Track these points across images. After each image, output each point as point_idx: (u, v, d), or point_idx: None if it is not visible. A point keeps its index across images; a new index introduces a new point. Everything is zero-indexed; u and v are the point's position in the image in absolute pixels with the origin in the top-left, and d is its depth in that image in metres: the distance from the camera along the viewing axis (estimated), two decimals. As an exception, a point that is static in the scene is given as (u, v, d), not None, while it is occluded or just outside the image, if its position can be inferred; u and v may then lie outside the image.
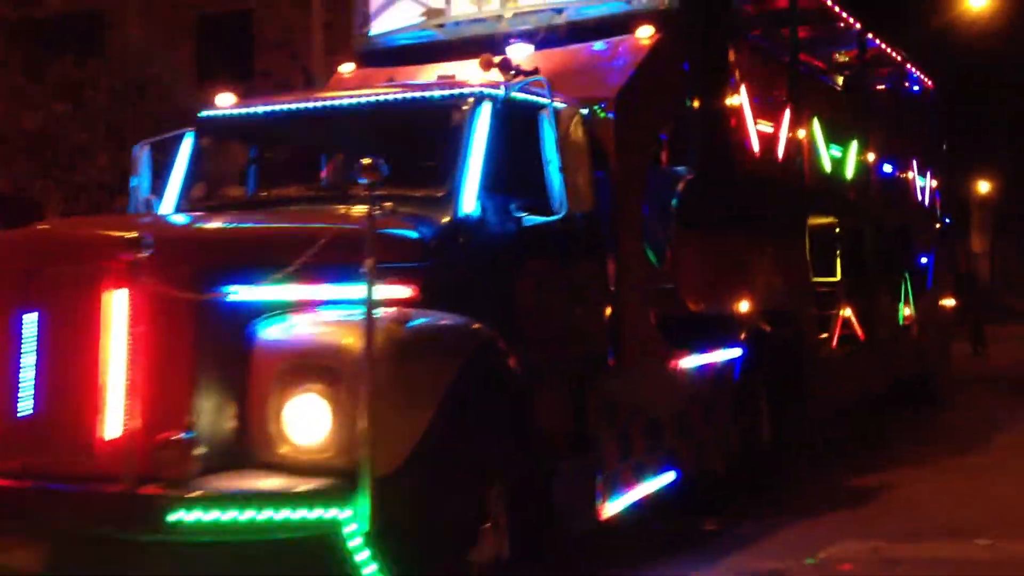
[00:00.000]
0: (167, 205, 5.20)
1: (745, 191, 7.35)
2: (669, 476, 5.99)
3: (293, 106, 5.07)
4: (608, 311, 5.50)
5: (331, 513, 3.41)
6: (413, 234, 4.40)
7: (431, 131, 4.80)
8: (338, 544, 3.47)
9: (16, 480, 3.53)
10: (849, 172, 9.61)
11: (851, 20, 10.01)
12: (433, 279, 4.36)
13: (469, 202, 4.57)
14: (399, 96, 4.87)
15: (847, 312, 9.27)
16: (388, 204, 4.55)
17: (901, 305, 10.81)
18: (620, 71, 5.83)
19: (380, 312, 3.71)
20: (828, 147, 9.07)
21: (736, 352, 6.88)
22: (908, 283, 10.97)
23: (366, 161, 3.60)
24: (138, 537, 3.46)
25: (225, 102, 5.27)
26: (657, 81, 6.09)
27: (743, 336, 6.98)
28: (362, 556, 3.50)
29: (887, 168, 10.85)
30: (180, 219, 4.78)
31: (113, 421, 3.42)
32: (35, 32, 17.72)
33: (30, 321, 3.62)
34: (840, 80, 11.11)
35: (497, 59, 4.92)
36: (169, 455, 3.37)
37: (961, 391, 12.86)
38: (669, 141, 7.04)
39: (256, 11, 15.36)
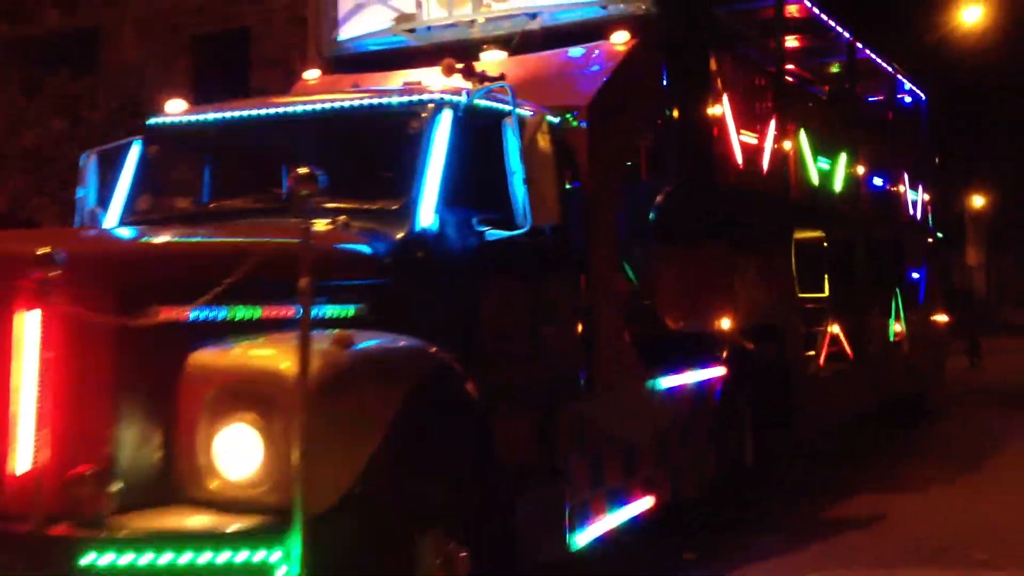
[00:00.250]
0: (112, 217, 4.92)
1: (728, 204, 7.09)
2: (645, 502, 5.70)
3: (244, 113, 4.79)
4: (580, 330, 5.23)
5: (260, 556, 3.12)
6: (366, 249, 4.12)
7: (388, 140, 4.52)
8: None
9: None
10: (837, 185, 9.37)
11: (840, 30, 9.78)
12: (387, 298, 4.08)
13: (427, 215, 4.29)
14: (354, 103, 4.60)
15: (835, 329, 9.01)
16: (342, 218, 4.30)
17: (892, 321, 10.55)
18: (593, 78, 5.57)
19: (321, 335, 3.44)
20: (816, 159, 8.83)
21: (717, 371, 6.61)
22: (899, 298, 10.72)
23: (302, 170, 3.32)
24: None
25: (175, 109, 5.00)
26: (633, 89, 5.83)
27: (725, 355, 6.71)
28: (293, 604, 3.20)
29: (877, 180, 10.62)
30: (105, 234, 4.48)
31: (22, 454, 3.13)
32: (31, 49, 17.63)
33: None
34: (829, 91, 10.90)
35: (460, 64, 4.64)
36: (82, 491, 3.08)
37: (957, 403, 12.71)
38: (648, 151, 6.81)
39: (252, 28, 15.21)
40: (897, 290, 10.74)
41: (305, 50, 12.20)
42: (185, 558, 3.07)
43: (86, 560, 3.04)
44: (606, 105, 5.49)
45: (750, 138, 7.53)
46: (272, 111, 4.72)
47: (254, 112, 4.77)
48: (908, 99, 12.41)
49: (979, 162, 30.29)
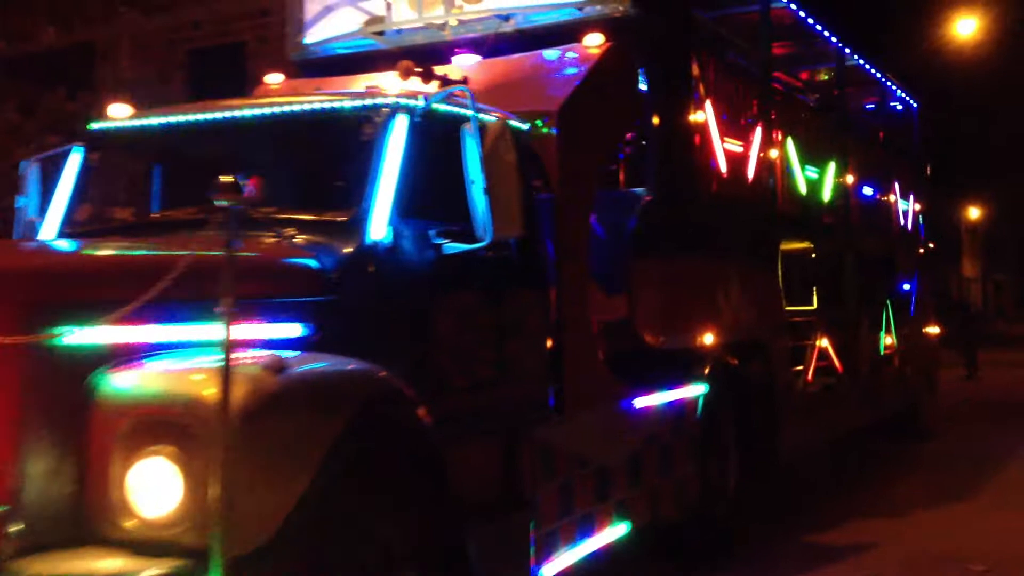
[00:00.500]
0: (49, 228, 4.62)
1: (711, 214, 6.81)
2: (620, 529, 5.41)
3: (190, 118, 4.50)
4: (548, 348, 4.93)
5: (175, 602, 2.83)
6: (312, 264, 3.83)
7: (340, 146, 4.24)
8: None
9: None
10: (826, 194, 9.10)
11: (829, 36, 9.52)
12: (334, 316, 3.79)
13: (379, 227, 4.00)
14: (305, 107, 4.30)
15: (824, 343, 8.73)
16: (289, 230, 4.01)
17: (883, 334, 10.28)
18: (564, 83, 5.29)
19: (252, 358, 3.15)
20: (803, 168, 8.56)
21: (699, 389, 6.32)
22: (890, 311, 10.44)
23: (224, 179, 3.03)
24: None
25: (119, 113, 4.70)
26: (607, 94, 5.55)
27: (707, 371, 6.42)
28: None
29: (867, 190, 10.36)
30: (17, 246, 4.16)
31: (-88, 491, 2.84)
32: (28, 67, 17.52)
33: None
34: (818, 99, 10.65)
35: (418, 67, 4.36)
36: (-22, 533, 2.79)
37: (952, 416, 12.58)
38: (627, 160, 6.54)
39: (248, 44, 15.04)
40: (888, 302, 10.47)
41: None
42: (91, 607, 2.77)
43: (-21, 610, 2.75)
44: (578, 111, 5.21)
45: (735, 146, 7.26)
46: (219, 115, 4.42)
47: (200, 117, 4.47)
48: (899, 107, 12.16)
49: (975, 174, 30.13)
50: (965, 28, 22.04)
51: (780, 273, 7.91)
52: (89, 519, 3.04)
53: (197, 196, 4.58)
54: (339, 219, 4.00)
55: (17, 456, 2.98)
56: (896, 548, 6.52)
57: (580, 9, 5.96)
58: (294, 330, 3.65)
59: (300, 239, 3.94)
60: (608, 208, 5.96)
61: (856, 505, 7.85)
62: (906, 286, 11.35)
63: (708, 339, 6.50)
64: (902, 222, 11.49)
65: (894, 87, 11.67)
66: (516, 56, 5.74)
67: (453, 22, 6.22)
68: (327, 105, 4.27)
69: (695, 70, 6.63)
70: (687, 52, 6.53)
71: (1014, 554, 6.30)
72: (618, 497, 5.44)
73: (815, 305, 8.93)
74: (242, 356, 3.11)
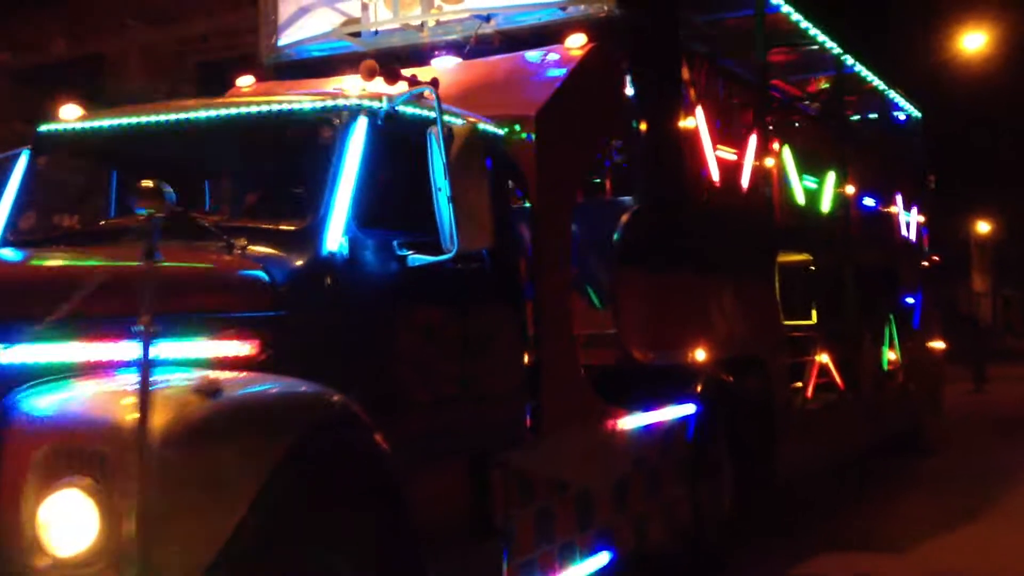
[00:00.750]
0: (-9, 236, 4.35)
1: (703, 224, 6.52)
2: (602, 557, 5.11)
3: (142, 120, 4.22)
4: (525, 365, 4.65)
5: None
6: (260, 276, 3.55)
7: (297, 151, 3.98)
8: None
9: None
10: (825, 205, 8.81)
11: (828, 43, 9.24)
12: (284, 333, 3.51)
13: (336, 237, 3.73)
14: (260, 109, 4.02)
15: (824, 358, 8.44)
16: (241, 240, 3.74)
17: (885, 349, 9.97)
18: (543, 86, 5.02)
19: (183, 380, 2.87)
20: (801, 178, 8.27)
21: (690, 408, 6.02)
22: (893, 325, 10.14)
23: (145, 183, 2.76)
24: None
25: (69, 114, 4.44)
26: (590, 97, 5.28)
27: (699, 389, 6.13)
28: None
29: (869, 201, 10.07)
30: None
31: None
32: (37, 78, 17.51)
33: None
34: (818, 107, 10.37)
35: (382, 67, 4.08)
36: None
37: (959, 431, 12.29)
38: (613, 167, 6.26)
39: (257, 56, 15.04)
40: (891, 316, 10.17)
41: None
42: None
43: None
44: (557, 115, 4.93)
45: (728, 154, 6.98)
46: (171, 117, 4.15)
47: (152, 119, 4.20)
48: (902, 116, 11.88)
49: (984, 188, 29.84)
50: (973, 42, 21.80)
51: (777, 286, 7.62)
52: (-2, 558, 2.76)
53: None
54: (292, 228, 3.72)
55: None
56: (899, 568, 6.30)
57: (563, 9, 5.70)
58: (238, 348, 3.38)
59: (250, 250, 3.66)
60: (594, 218, 5.70)
61: (857, 525, 7.58)
62: (910, 299, 11.05)
63: (700, 355, 6.21)
64: (905, 234, 11.19)
65: (896, 96, 11.39)
66: (494, 58, 5.49)
67: (431, 23, 5.97)
68: (283, 107, 4.00)
69: (685, 74, 6.36)
70: (676, 55, 6.26)
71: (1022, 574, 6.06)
72: (602, 523, 5.14)
73: (815, 319, 8.64)
74: (172, 378, 2.84)
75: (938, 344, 11.78)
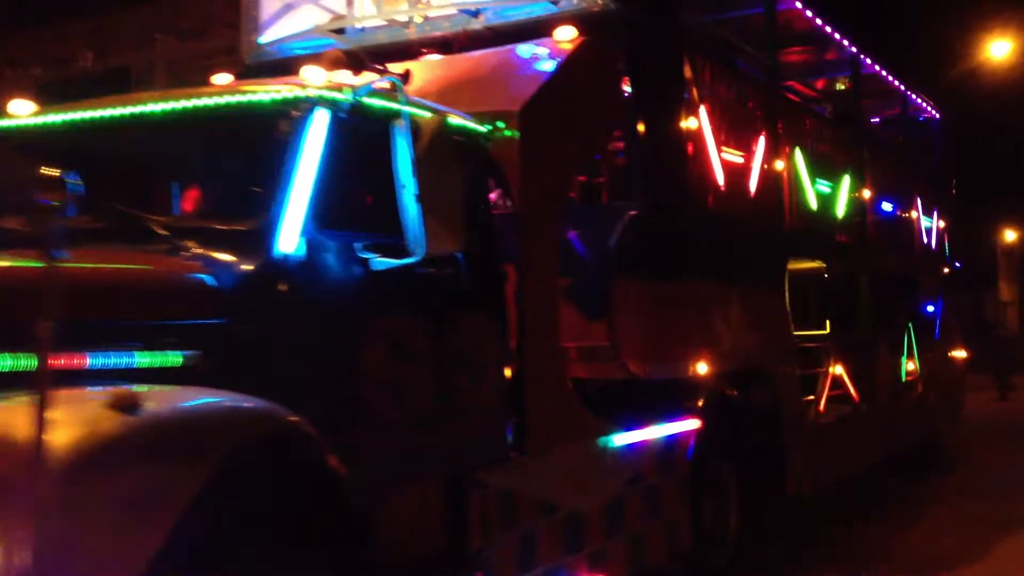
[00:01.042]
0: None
1: (706, 230, 6.18)
2: (594, 584, 4.79)
3: (90, 115, 3.95)
4: (507, 379, 4.34)
5: None
6: (202, 280, 3.26)
7: (252, 145, 3.69)
8: None
9: None
10: (840, 211, 8.45)
11: (843, 42, 8.90)
12: (229, 342, 3.22)
13: (290, 238, 3.43)
14: (213, 101, 3.74)
15: (838, 370, 8.06)
16: (190, 242, 3.46)
17: (904, 359, 9.57)
18: (529, 81, 4.72)
19: (95, 393, 2.58)
20: (814, 182, 7.91)
21: (690, 423, 5.69)
22: (912, 334, 9.74)
23: (48, 171, 2.49)
24: None
25: (18, 110, 4.17)
26: (581, 93, 4.98)
27: (700, 404, 5.80)
28: None
29: (886, 206, 9.70)
30: None
31: None
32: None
33: None
34: (833, 109, 10.02)
35: (347, 56, 3.80)
36: None
37: (980, 440, 11.86)
38: (611, 171, 5.95)
39: None
40: (909, 325, 9.78)
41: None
42: None
43: None
44: (544, 112, 4.63)
45: (735, 157, 6.65)
46: (122, 112, 3.87)
47: (102, 113, 3.93)
48: (922, 119, 11.49)
49: (1011, 197, 29.23)
50: (1000, 50, 21.35)
51: (787, 295, 7.26)
52: None
53: (94, 202, 4.05)
54: (243, 229, 3.43)
55: None
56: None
57: (555, 3, 5.41)
58: (174, 359, 3.09)
59: (197, 252, 3.38)
60: (589, 223, 5.39)
61: (872, 543, 7.25)
62: (930, 308, 10.65)
63: (701, 368, 5.87)
64: (925, 240, 10.80)
65: (915, 97, 11.01)
66: (480, 52, 5.20)
67: (418, 19, 5.70)
68: (238, 98, 3.71)
69: (688, 72, 6.04)
70: (677, 52, 5.94)
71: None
72: (593, 547, 4.82)
73: (828, 329, 8.28)
74: (83, 392, 2.55)
75: (959, 353, 11.37)
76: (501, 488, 4.18)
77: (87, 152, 3.99)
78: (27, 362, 2.62)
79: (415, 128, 3.61)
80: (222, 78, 5.68)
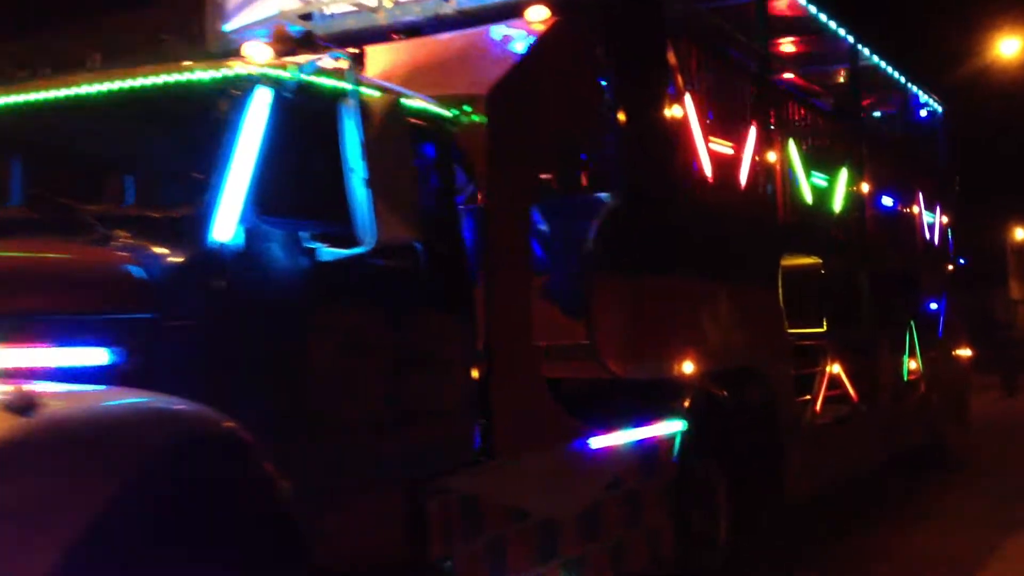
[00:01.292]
0: None
1: (692, 222, 5.93)
2: (569, 592, 4.53)
3: (23, 98, 3.70)
4: (473, 379, 4.09)
5: None
6: (129, 271, 3.02)
7: (188, 127, 3.46)
8: None
9: None
10: (837, 205, 8.18)
11: (840, 31, 8.63)
12: (157, 338, 2.99)
13: (227, 226, 3.20)
14: (146, 81, 3.50)
15: (835, 369, 7.80)
16: (121, 232, 3.22)
17: (905, 358, 9.30)
18: (498, 63, 4.48)
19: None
20: (809, 175, 7.65)
21: (675, 425, 5.43)
22: (914, 333, 9.46)
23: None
24: None
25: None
26: (554, 77, 4.73)
27: (686, 404, 5.54)
28: None
29: (886, 201, 9.42)
30: None
31: None
32: None
33: None
34: (832, 101, 9.75)
35: (295, 32, 3.56)
36: None
37: (989, 437, 11.65)
38: (590, 158, 5.69)
39: None
40: (912, 323, 9.50)
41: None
42: None
43: None
44: (513, 96, 4.40)
45: (724, 147, 6.39)
46: (56, 94, 3.64)
47: (34, 97, 3.69)
48: (924, 112, 11.21)
49: (1021, 195, 28.90)
50: (1009, 48, 21.05)
51: (781, 291, 7.00)
52: None
53: (28, 192, 3.83)
54: (175, 216, 3.19)
55: None
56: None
57: (528, -18, 5.15)
58: (93, 356, 2.84)
59: (127, 242, 3.14)
60: (566, 214, 5.13)
61: (873, 544, 7.04)
62: (933, 305, 10.36)
63: (687, 367, 5.61)
64: (927, 236, 10.51)
65: (917, 90, 10.74)
66: (449, 34, 4.95)
67: (388, 3, 5.46)
68: (175, 78, 3.47)
69: (672, 58, 5.79)
70: (659, 37, 5.68)
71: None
72: (569, 554, 4.57)
73: (824, 327, 8.01)
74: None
75: (964, 352, 11.08)
76: (465, 494, 3.94)
77: (22, 138, 3.76)
78: None
79: (365, 109, 3.37)
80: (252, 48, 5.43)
